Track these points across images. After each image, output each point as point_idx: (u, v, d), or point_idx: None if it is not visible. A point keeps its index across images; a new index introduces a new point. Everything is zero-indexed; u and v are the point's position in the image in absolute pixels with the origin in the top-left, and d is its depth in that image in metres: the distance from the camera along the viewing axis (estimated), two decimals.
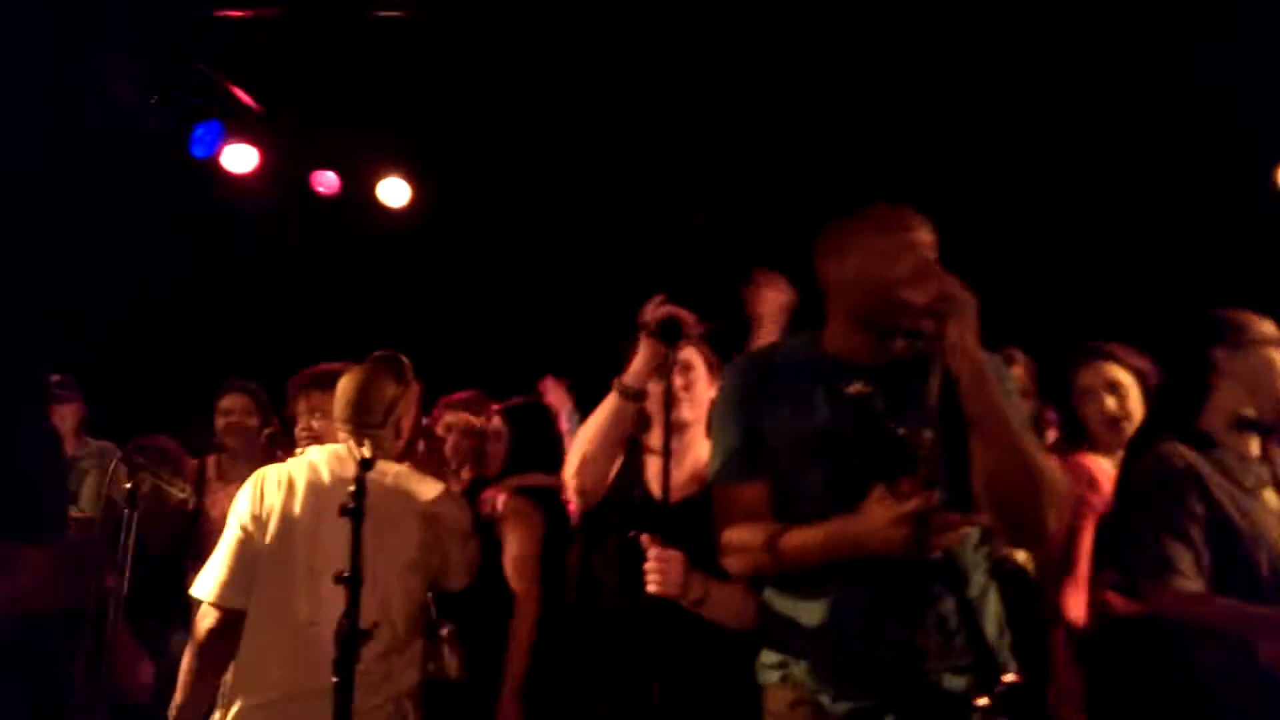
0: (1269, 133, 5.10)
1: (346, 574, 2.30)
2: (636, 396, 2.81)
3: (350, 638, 2.28)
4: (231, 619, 2.71)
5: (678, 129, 5.57)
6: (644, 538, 2.50)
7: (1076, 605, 3.13)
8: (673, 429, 2.69)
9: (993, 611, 2.22)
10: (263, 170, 5.90)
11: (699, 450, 2.80)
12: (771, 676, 2.28)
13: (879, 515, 2.03)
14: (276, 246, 5.98)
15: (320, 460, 2.86)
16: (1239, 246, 5.21)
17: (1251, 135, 5.11)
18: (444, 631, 2.89)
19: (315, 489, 2.79)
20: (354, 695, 2.27)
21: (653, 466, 2.84)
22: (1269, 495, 2.62)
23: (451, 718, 3.04)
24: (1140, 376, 3.26)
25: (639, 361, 2.80)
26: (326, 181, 6.14)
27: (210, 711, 2.74)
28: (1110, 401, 3.24)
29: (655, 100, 5.41)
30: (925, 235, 2.23)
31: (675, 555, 2.48)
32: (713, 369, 2.91)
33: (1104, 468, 3.21)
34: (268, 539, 2.74)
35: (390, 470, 2.83)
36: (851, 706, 2.15)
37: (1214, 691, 2.53)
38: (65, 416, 4.33)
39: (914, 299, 2.10)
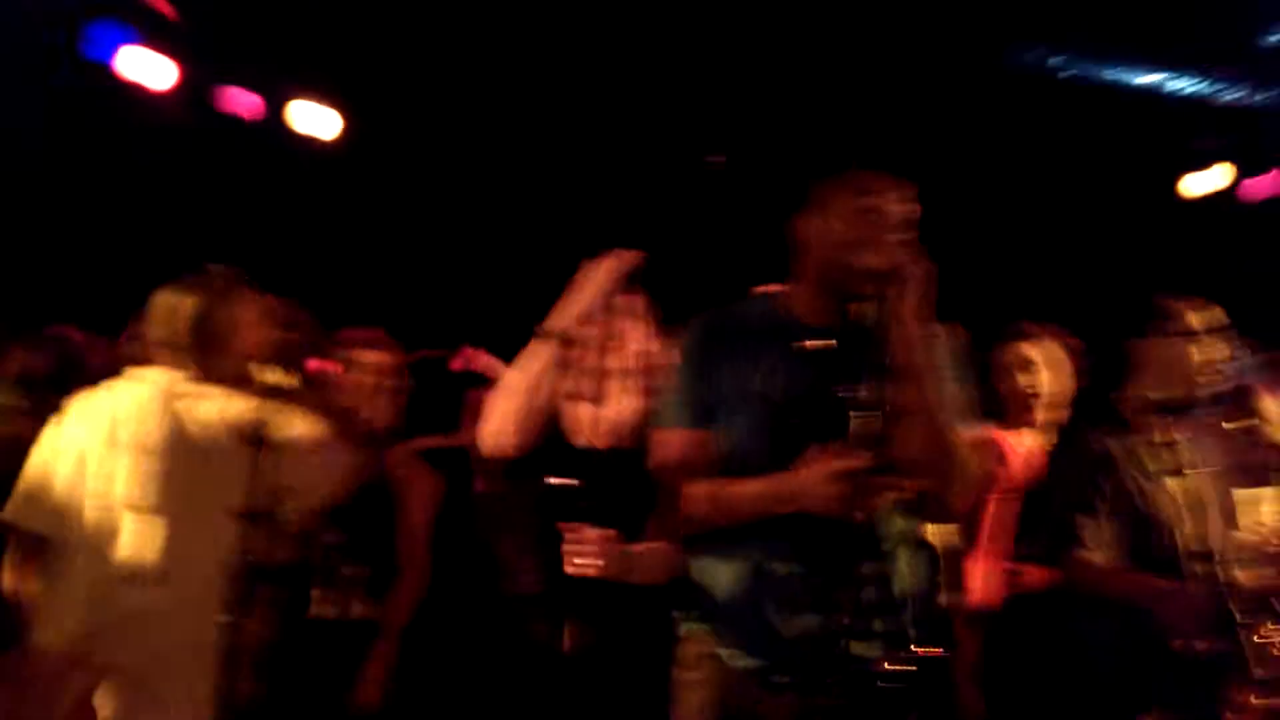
0: None
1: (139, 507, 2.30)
2: (570, 343, 2.73)
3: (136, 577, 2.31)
4: (31, 540, 2.68)
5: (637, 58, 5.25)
6: (561, 525, 2.54)
7: (977, 577, 3.25)
8: (595, 376, 2.75)
9: (908, 582, 2.27)
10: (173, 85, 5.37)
11: (619, 402, 2.75)
12: (686, 628, 2.36)
13: (814, 471, 2.12)
14: (177, 171, 5.46)
15: (128, 387, 2.71)
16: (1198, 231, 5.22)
17: None
18: (348, 573, 2.98)
19: (114, 419, 2.68)
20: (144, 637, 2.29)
21: (572, 415, 2.79)
22: (1171, 481, 2.81)
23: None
24: (1053, 356, 3.45)
25: (579, 304, 2.73)
26: (247, 103, 5.63)
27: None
28: (1022, 378, 3.42)
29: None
30: (898, 204, 2.28)
31: (593, 533, 2.54)
32: (648, 319, 2.83)
33: (1012, 443, 3.40)
34: (66, 468, 2.68)
35: (207, 395, 2.68)
36: (757, 664, 2.23)
37: (1100, 661, 2.77)
38: None
39: (867, 263, 2.17)
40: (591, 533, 2.54)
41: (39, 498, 2.67)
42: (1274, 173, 5.47)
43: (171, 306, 2.74)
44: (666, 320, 2.85)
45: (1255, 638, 2.50)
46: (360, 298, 4.81)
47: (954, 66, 5.15)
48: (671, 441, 2.39)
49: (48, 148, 5.20)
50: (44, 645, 2.60)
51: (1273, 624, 2.56)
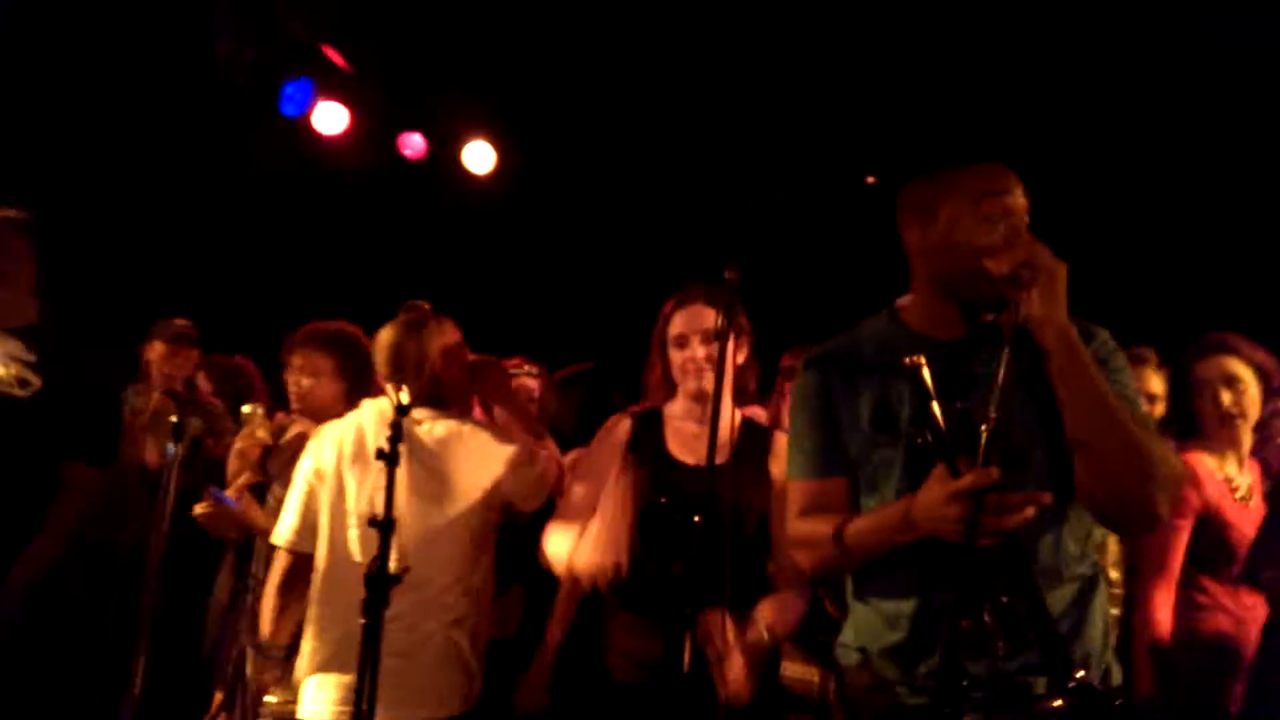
0: None
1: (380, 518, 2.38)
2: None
3: (379, 580, 2.36)
4: (302, 562, 2.88)
5: (741, 104, 5.41)
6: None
7: (1164, 606, 2.99)
8: (697, 399, 2.75)
9: (1099, 607, 2.08)
10: (351, 131, 5.92)
11: (726, 420, 2.67)
12: (851, 658, 2.18)
13: (933, 494, 1.89)
14: (361, 209, 6.00)
15: (367, 414, 2.96)
16: None
17: None
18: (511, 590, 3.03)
19: (360, 440, 2.90)
20: (383, 636, 2.34)
21: (675, 435, 2.79)
22: None
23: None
24: (1261, 373, 3.09)
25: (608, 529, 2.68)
26: (413, 145, 6.14)
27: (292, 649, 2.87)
28: (1226, 396, 3.07)
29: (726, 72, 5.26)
30: (1017, 198, 2.08)
31: (735, 660, 2.46)
32: (743, 333, 2.81)
33: (1209, 467, 3.06)
34: (326, 490, 2.88)
35: (428, 417, 2.89)
36: (927, 701, 2.02)
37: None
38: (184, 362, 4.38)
39: (997, 268, 1.96)
40: (733, 655, 2.44)
41: (306, 520, 2.87)
42: None
43: (385, 342, 2.96)
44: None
45: None
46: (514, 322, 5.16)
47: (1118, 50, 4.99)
48: (797, 493, 2.21)
49: (249, 198, 5.81)
50: (314, 651, 2.79)
51: None
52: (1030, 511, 1.88)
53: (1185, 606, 3.00)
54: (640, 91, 5.64)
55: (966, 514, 1.84)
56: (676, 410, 2.83)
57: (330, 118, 5.85)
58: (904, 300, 2.23)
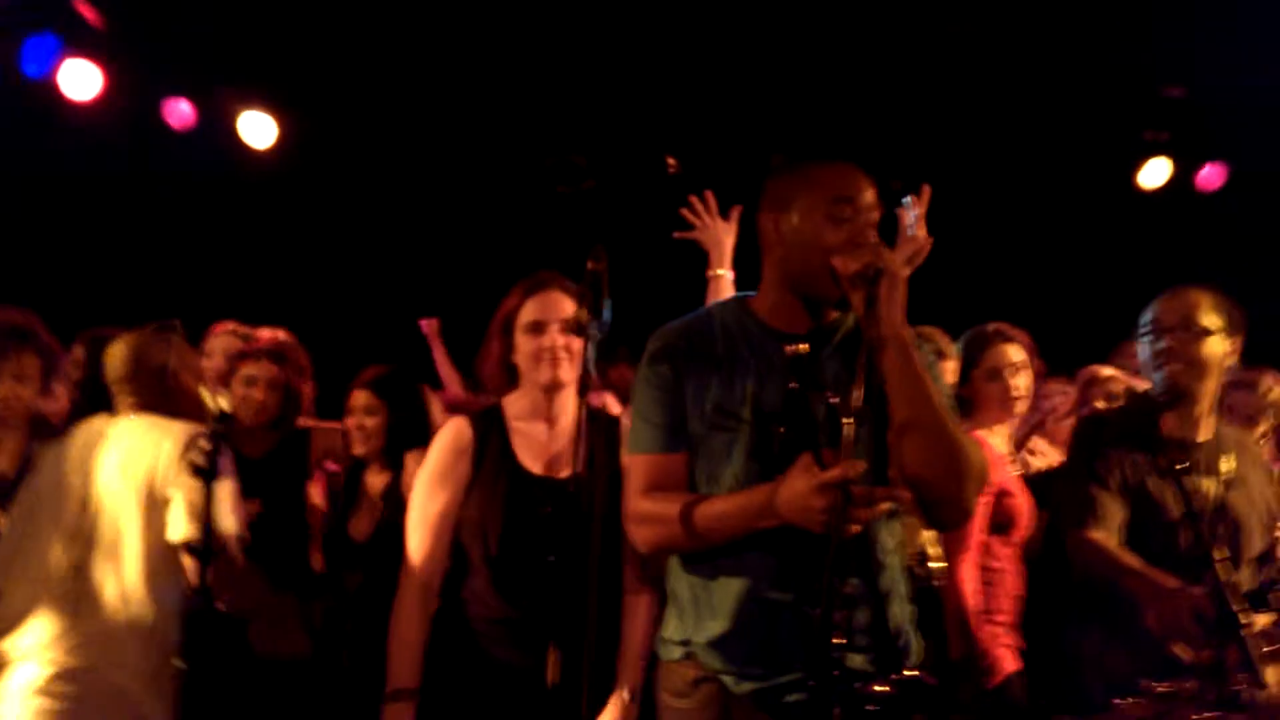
0: None
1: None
2: None
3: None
4: None
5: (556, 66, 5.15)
6: None
7: (969, 578, 3.14)
8: (547, 390, 2.63)
9: (902, 594, 2.19)
10: (106, 95, 5.24)
11: (569, 419, 2.66)
12: (673, 653, 2.22)
13: (800, 483, 1.95)
14: (115, 183, 5.33)
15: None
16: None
17: None
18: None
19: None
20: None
21: (522, 441, 2.66)
22: (1186, 480, 2.66)
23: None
24: (1032, 357, 3.43)
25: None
26: (179, 113, 5.50)
27: None
28: (1011, 380, 3.35)
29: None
30: (868, 198, 2.15)
31: None
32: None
33: (994, 445, 3.32)
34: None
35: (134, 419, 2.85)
36: (754, 687, 2.10)
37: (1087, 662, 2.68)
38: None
39: (844, 267, 2.04)
40: None
41: None
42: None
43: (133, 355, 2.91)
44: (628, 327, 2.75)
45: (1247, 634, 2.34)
46: (295, 304, 4.68)
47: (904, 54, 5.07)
48: (642, 467, 2.23)
49: None
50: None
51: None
52: (886, 506, 2.03)
53: (984, 573, 3.19)
54: (445, 54, 5.26)
55: (833, 504, 1.89)
56: (519, 408, 2.68)
57: (80, 79, 5.17)
58: (753, 293, 2.29)
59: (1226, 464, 2.76)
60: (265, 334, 3.81)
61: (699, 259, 3.08)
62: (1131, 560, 2.57)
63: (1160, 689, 2.24)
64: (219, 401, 2.48)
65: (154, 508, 2.71)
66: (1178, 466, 2.57)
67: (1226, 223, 5.31)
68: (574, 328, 2.52)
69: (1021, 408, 3.43)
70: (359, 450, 3.48)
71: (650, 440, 2.22)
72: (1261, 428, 3.06)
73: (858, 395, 1.95)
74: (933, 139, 5.29)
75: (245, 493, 2.93)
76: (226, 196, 5.64)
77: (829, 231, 2.10)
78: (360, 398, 3.47)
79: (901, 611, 2.17)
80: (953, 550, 3.11)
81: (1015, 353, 3.38)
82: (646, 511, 2.20)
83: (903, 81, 5.17)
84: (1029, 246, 5.38)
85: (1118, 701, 2.29)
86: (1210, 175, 5.62)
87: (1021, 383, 3.36)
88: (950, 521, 2.16)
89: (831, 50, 5.14)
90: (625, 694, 2.52)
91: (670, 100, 5.35)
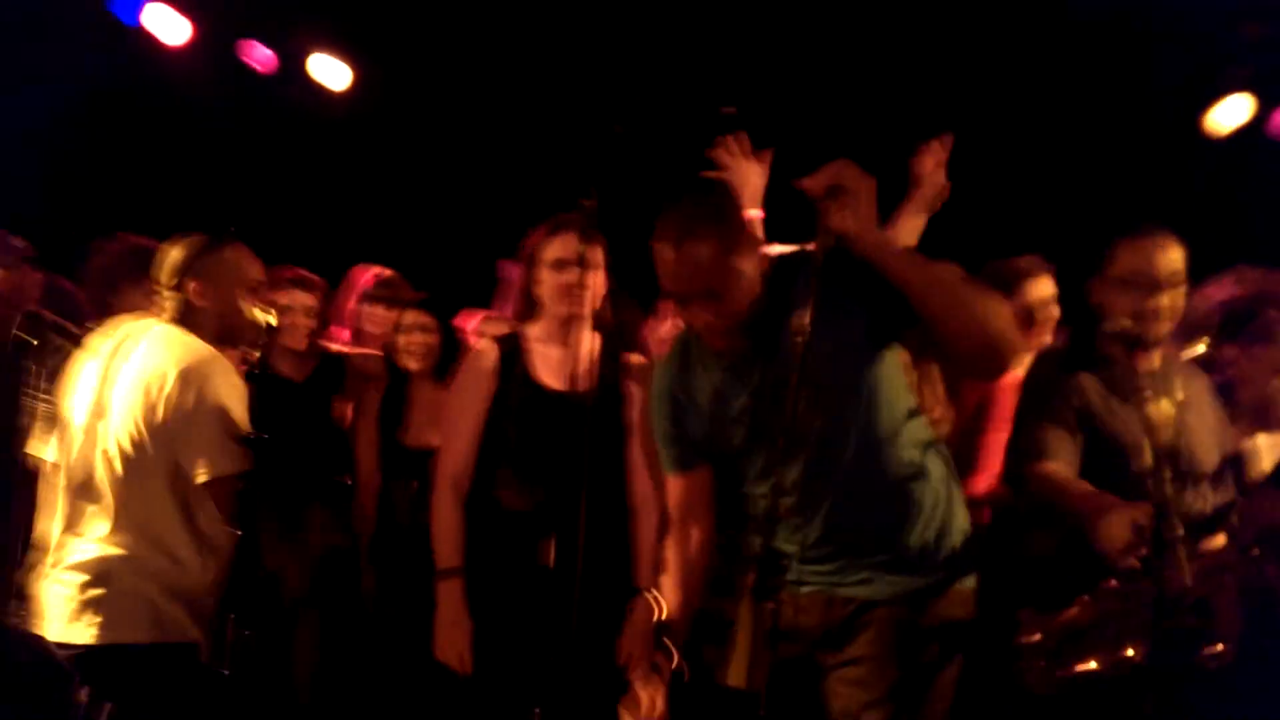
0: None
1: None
2: None
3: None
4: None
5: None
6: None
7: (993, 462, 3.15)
8: (565, 323, 2.96)
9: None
10: (192, 40, 5.49)
11: (585, 344, 2.88)
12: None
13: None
14: (202, 124, 5.58)
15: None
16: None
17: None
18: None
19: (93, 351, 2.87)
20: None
21: (541, 358, 3.00)
22: (1145, 405, 2.61)
23: None
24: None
25: None
26: (260, 56, 5.74)
27: None
28: (1039, 312, 3.40)
29: None
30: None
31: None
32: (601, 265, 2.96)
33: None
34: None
35: (157, 329, 2.79)
36: None
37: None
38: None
39: (811, 187, 2.12)
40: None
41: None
42: None
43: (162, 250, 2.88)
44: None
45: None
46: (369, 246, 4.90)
47: None
48: (673, 488, 2.52)
49: (85, 105, 5.34)
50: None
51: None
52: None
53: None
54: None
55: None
56: (538, 332, 3.02)
57: (167, 24, 5.42)
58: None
59: (1180, 388, 2.76)
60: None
61: None
62: (1081, 485, 2.60)
63: (1114, 585, 2.43)
64: (267, 317, 2.73)
65: (154, 429, 2.67)
66: (1141, 394, 2.56)
67: None
68: (581, 261, 2.82)
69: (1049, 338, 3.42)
70: (415, 365, 3.77)
71: (673, 460, 2.54)
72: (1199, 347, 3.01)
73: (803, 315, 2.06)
74: (981, 81, 5.25)
75: (289, 415, 3.26)
76: (307, 137, 5.86)
77: None
78: (412, 316, 3.79)
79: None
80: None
81: (1047, 286, 3.43)
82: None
83: (949, 19, 5.13)
84: (1074, 190, 5.26)
85: (1083, 598, 2.47)
86: None
87: (1054, 315, 3.40)
88: (992, 367, 2.30)
89: None
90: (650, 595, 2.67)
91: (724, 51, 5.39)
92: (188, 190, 5.50)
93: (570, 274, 2.88)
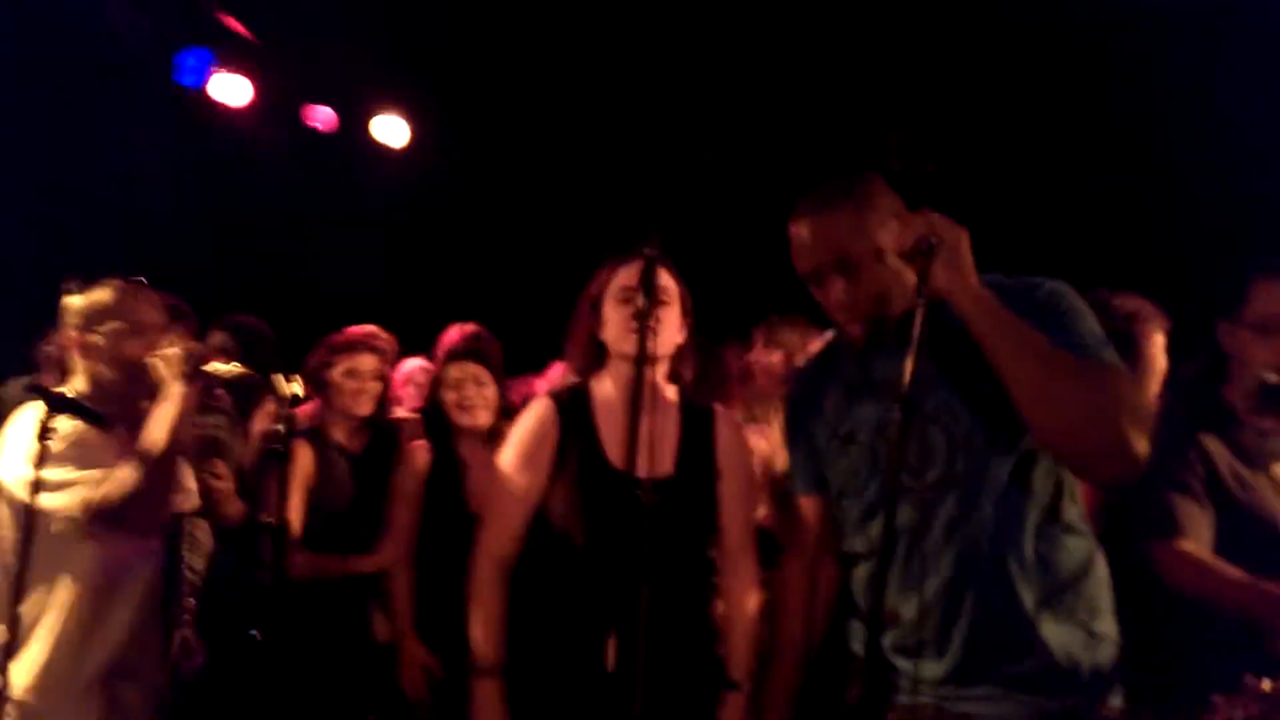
0: None
1: None
2: None
3: None
4: None
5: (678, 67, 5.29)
6: None
7: None
8: (634, 363, 2.21)
9: None
10: (255, 103, 5.64)
11: (661, 408, 2.50)
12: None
13: None
14: (267, 184, 5.72)
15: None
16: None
17: None
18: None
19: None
20: None
21: (606, 423, 2.52)
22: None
23: None
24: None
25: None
26: (322, 116, 5.87)
27: None
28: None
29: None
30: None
31: None
32: (681, 306, 2.56)
33: None
34: None
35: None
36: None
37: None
38: None
39: (899, 244, 1.92)
40: None
41: None
42: None
43: None
44: None
45: None
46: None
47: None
48: (798, 509, 2.32)
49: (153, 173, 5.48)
50: None
51: None
52: None
53: None
54: (560, 62, 5.47)
55: None
56: (607, 388, 2.55)
57: (231, 89, 5.58)
58: None
59: None
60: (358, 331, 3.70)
61: None
62: (1233, 572, 2.29)
63: (1265, 687, 1.96)
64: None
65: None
66: (1273, 458, 2.32)
67: None
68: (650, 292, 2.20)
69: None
70: (475, 422, 3.36)
71: (797, 482, 2.32)
72: None
73: (907, 373, 1.74)
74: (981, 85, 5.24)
75: (351, 489, 3.34)
76: (363, 195, 5.98)
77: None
78: (459, 369, 3.36)
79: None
80: None
81: (1161, 338, 2.85)
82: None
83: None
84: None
85: (1217, 698, 1.99)
86: None
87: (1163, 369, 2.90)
88: (1106, 470, 1.94)
89: None
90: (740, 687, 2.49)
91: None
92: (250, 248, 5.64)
93: (638, 302, 2.22)
